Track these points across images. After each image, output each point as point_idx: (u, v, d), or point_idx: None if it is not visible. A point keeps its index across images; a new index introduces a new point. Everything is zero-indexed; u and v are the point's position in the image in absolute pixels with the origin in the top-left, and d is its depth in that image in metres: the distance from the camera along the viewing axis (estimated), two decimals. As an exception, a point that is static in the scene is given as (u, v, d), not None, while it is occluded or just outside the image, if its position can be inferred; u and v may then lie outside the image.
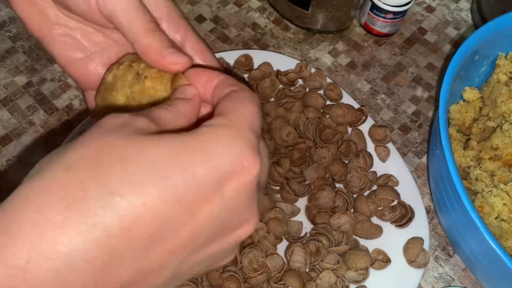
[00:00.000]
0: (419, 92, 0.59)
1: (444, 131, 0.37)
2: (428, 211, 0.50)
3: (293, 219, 0.48)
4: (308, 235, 0.47)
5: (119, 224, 0.20)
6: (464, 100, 0.50)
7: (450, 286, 0.48)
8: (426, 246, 0.47)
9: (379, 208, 0.48)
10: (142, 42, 0.29)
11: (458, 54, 0.42)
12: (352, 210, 0.48)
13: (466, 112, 0.49)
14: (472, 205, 0.35)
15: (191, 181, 0.21)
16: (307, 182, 0.48)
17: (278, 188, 0.49)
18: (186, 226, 0.21)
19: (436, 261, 0.49)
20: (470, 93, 0.49)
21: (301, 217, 0.48)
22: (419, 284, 0.47)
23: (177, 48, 0.30)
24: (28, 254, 0.19)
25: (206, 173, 0.21)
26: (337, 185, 0.50)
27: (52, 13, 0.31)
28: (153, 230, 0.20)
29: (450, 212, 0.41)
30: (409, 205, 0.47)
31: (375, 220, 0.48)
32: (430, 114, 0.58)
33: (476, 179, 0.45)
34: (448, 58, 0.62)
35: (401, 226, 0.47)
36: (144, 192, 0.20)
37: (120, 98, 0.29)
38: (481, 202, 0.43)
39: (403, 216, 0.47)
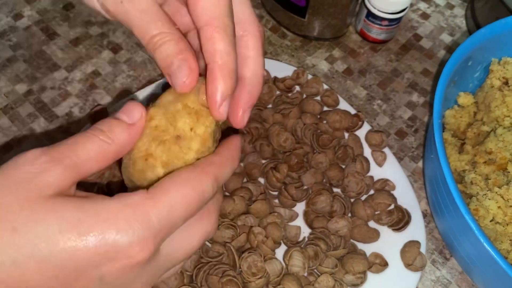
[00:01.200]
0: (415, 97, 0.60)
1: (438, 135, 0.38)
2: (424, 215, 0.51)
3: (291, 223, 0.48)
4: (306, 239, 0.47)
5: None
6: (458, 105, 0.51)
7: (447, 289, 0.48)
8: (423, 249, 0.47)
9: (376, 212, 0.48)
10: (153, 54, 0.28)
11: (451, 60, 0.43)
12: (349, 215, 0.48)
13: (460, 117, 0.50)
14: (467, 208, 0.36)
15: (72, 260, 0.22)
16: (305, 187, 0.49)
17: (276, 193, 0.50)
18: None
19: (433, 265, 0.49)
20: (465, 98, 0.50)
21: (299, 221, 0.49)
22: (417, 287, 0.47)
23: (188, 58, 0.27)
24: None
25: (89, 255, 0.23)
26: (335, 189, 0.50)
27: None
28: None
29: (445, 216, 0.41)
30: (405, 209, 0.48)
31: (372, 224, 0.48)
32: (426, 119, 0.59)
33: (471, 182, 0.45)
34: (443, 64, 0.63)
35: (398, 230, 0.47)
36: (23, 266, 0.22)
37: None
38: (476, 205, 0.43)
39: (400, 220, 0.47)
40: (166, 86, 0.50)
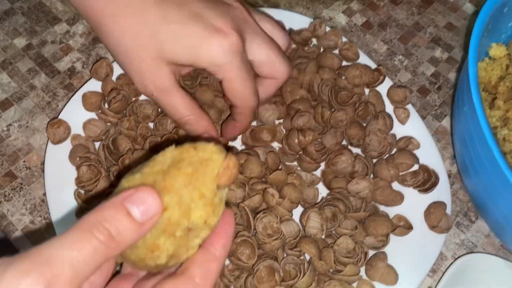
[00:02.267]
0: (438, 53, 0.56)
1: (474, 84, 0.35)
2: (448, 176, 0.48)
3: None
4: (323, 200, 0.45)
5: None
6: (490, 57, 0.48)
7: (472, 252, 0.46)
8: (448, 211, 0.44)
9: (401, 173, 0.45)
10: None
11: (488, 4, 0.39)
12: (371, 176, 0.46)
13: (492, 70, 0.46)
14: (505, 162, 0.33)
15: None
16: (325, 149, 0.46)
17: (291, 162, 0.47)
18: None
19: (457, 227, 0.47)
20: (497, 50, 0.46)
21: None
22: (440, 251, 0.45)
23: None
24: None
25: None
26: (354, 150, 0.47)
27: None
28: None
29: (478, 173, 0.38)
30: (433, 170, 0.45)
31: (395, 185, 0.45)
32: (450, 75, 0.55)
33: (504, 139, 0.42)
34: (469, 18, 0.59)
35: (425, 191, 0.44)
36: None
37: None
38: (509, 163, 0.40)
39: (426, 181, 0.44)
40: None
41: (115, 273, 0.30)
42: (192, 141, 0.27)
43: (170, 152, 0.26)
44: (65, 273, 0.21)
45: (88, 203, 0.43)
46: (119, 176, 0.43)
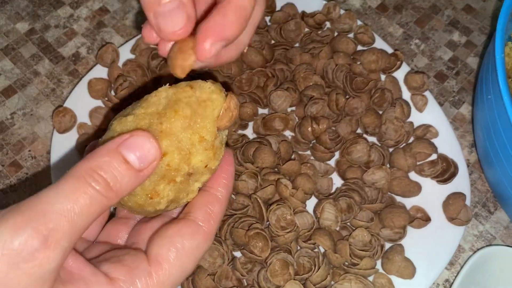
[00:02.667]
0: (456, 36, 0.54)
1: (501, 71, 0.33)
2: (467, 165, 0.46)
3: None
4: (338, 191, 0.43)
5: None
6: (513, 42, 0.45)
7: (491, 244, 0.44)
8: (467, 202, 0.43)
9: (418, 163, 0.44)
10: None
11: (515, -14, 0.37)
12: (387, 165, 0.44)
13: (515, 55, 0.44)
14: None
15: None
16: (339, 137, 0.44)
17: (304, 152, 0.45)
18: None
19: (476, 219, 0.45)
20: (521, 34, 0.44)
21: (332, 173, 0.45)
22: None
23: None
24: None
25: None
26: (370, 138, 0.45)
27: None
28: None
29: (502, 162, 0.37)
30: (452, 159, 0.43)
31: (412, 175, 0.44)
32: (469, 60, 0.53)
33: (527, 128, 0.40)
34: (489, 0, 0.56)
35: (443, 181, 0.43)
36: None
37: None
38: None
39: (445, 171, 0.43)
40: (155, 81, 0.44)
41: (110, 216, 0.29)
42: (188, 79, 0.25)
43: (165, 92, 0.24)
44: (62, 227, 0.19)
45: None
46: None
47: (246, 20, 0.24)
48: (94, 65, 0.48)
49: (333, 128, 0.45)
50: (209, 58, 0.23)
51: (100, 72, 0.47)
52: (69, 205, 0.20)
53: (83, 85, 0.46)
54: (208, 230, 0.25)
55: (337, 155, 0.45)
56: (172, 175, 0.24)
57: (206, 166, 0.24)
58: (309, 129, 0.43)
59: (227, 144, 0.26)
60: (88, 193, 0.20)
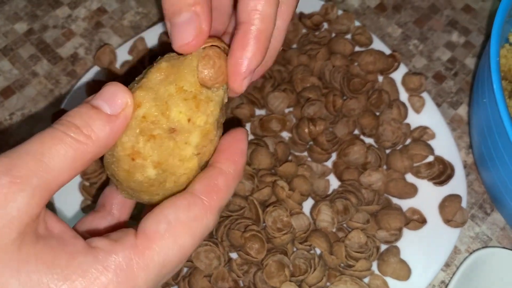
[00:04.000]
0: (454, 37, 0.54)
1: (496, 75, 0.33)
2: (463, 167, 0.46)
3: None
4: (334, 192, 0.43)
5: None
6: (510, 44, 0.45)
7: (487, 246, 0.44)
8: (463, 204, 0.43)
9: (415, 165, 0.44)
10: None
11: (512, -12, 0.37)
12: (384, 167, 0.44)
13: (512, 57, 0.44)
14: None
15: None
16: (336, 138, 0.44)
17: (301, 153, 0.45)
18: None
19: (472, 220, 0.45)
20: (519, 36, 0.44)
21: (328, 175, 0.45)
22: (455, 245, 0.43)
23: (197, 9, 0.22)
24: None
25: None
26: (367, 140, 0.45)
27: None
28: None
29: (496, 164, 0.37)
30: (448, 161, 0.43)
31: (409, 177, 0.44)
32: (467, 61, 0.53)
33: (524, 131, 0.40)
34: (488, 0, 0.56)
35: (440, 183, 0.43)
36: None
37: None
38: (529, 156, 0.38)
39: (441, 173, 0.43)
40: (152, 58, 0.44)
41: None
42: None
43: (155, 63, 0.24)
44: (29, 165, 0.19)
45: (93, 195, 0.42)
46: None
47: (268, 40, 0.23)
48: (92, 67, 0.48)
49: (330, 129, 0.45)
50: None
51: (98, 73, 0.47)
52: (35, 146, 0.19)
53: (81, 86, 0.46)
54: (209, 204, 0.22)
55: (334, 156, 0.45)
56: (150, 129, 0.22)
57: (189, 120, 0.22)
58: (306, 130, 0.44)
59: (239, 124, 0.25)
60: (56, 136, 0.20)
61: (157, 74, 0.23)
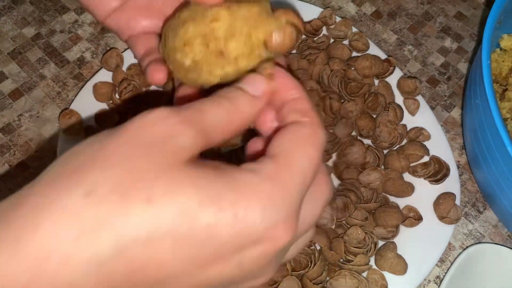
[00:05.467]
0: (447, 43, 0.56)
1: (487, 77, 0.35)
2: (457, 167, 0.48)
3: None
4: (335, 190, 0.45)
5: (123, 267, 0.18)
6: (501, 49, 0.47)
7: (480, 242, 0.46)
8: (457, 202, 0.45)
9: (412, 164, 0.46)
10: None
11: (502, -5, 0.39)
12: (382, 167, 0.46)
13: (503, 61, 0.46)
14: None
15: (212, 239, 0.19)
16: (337, 139, 0.46)
17: None
18: (191, 277, 0.20)
19: (465, 218, 0.47)
20: (509, 41, 0.46)
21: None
22: (449, 241, 0.45)
23: None
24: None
25: (231, 235, 0.19)
26: (365, 141, 0.47)
27: None
28: (157, 279, 0.19)
29: (489, 164, 0.39)
30: (444, 161, 0.45)
31: (406, 176, 0.46)
32: (460, 66, 0.55)
33: (514, 131, 0.42)
34: (479, 7, 0.58)
35: (436, 182, 0.44)
36: (158, 243, 0.18)
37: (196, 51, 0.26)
38: (519, 156, 0.40)
39: (437, 172, 0.45)
40: None
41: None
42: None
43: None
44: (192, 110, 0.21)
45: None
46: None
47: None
48: (99, 69, 0.49)
49: (331, 131, 0.47)
50: None
51: (104, 76, 0.48)
52: (196, 104, 0.22)
53: (88, 88, 0.48)
54: (312, 120, 0.23)
55: (334, 156, 0.47)
56: (209, 39, 0.25)
57: (236, 58, 0.25)
58: None
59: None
60: (220, 107, 0.22)
61: (244, 10, 0.25)
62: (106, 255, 0.17)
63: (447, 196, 0.44)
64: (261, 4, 0.26)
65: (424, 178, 0.45)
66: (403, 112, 0.48)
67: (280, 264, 0.24)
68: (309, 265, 0.41)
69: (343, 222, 0.44)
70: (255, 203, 0.19)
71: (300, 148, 0.22)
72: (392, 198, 0.45)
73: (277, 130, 0.23)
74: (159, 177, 0.18)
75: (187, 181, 0.19)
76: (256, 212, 0.19)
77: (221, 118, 0.22)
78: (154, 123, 0.20)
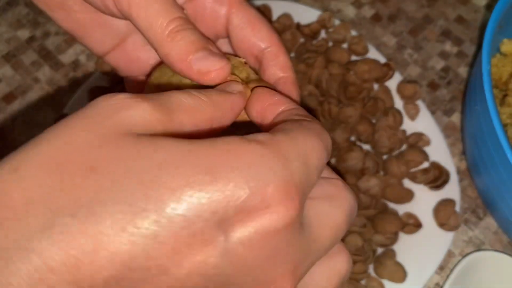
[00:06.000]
0: (448, 46, 0.56)
1: (487, 83, 0.34)
2: (457, 173, 0.48)
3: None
4: (332, 197, 0.44)
5: (62, 263, 0.14)
6: (501, 53, 0.47)
7: (480, 249, 0.45)
8: (457, 208, 0.44)
9: (411, 170, 0.45)
10: (162, 50, 0.23)
11: (502, 0, 0.39)
12: (381, 172, 0.45)
13: (503, 66, 0.46)
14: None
15: (179, 214, 0.15)
16: (336, 145, 0.45)
17: None
18: (166, 277, 0.15)
19: (465, 224, 0.47)
20: (509, 46, 0.46)
21: (325, 178, 0.46)
22: (449, 248, 0.45)
23: (212, 47, 0.23)
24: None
25: (205, 204, 0.15)
26: (364, 146, 0.47)
27: (73, 3, 0.27)
28: (111, 274, 0.15)
29: (489, 170, 0.38)
30: (444, 167, 0.45)
31: (405, 182, 0.45)
32: (460, 70, 0.54)
33: (515, 137, 0.42)
34: (479, 11, 0.58)
35: (436, 188, 0.44)
36: (101, 216, 0.15)
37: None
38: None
39: (437, 178, 0.44)
40: None
41: None
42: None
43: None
44: None
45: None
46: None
47: None
48: (94, 72, 0.49)
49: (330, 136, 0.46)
50: None
51: (99, 79, 0.48)
52: (169, 94, 0.19)
53: (83, 92, 0.47)
54: (308, 124, 0.20)
55: (332, 162, 0.46)
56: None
57: (245, 63, 0.26)
58: None
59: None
60: (186, 93, 0.20)
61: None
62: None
63: (447, 202, 0.44)
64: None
65: (424, 184, 0.45)
66: (402, 117, 0.47)
67: (298, 274, 0.18)
68: (307, 273, 0.40)
69: (342, 229, 0.43)
70: (237, 161, 0.16)
71: (303, 133, 0.19)
72: (391, 205, 0.44)
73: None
74: (102, 147, 0.16)
75: (140, 147, 0.16)
76: (238, 171, 0.15)
77: (187, 101, 0.19)
78: (104, 100, 0.17)
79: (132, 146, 0.16)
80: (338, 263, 0.21)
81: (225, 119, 0.20)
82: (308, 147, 0.18)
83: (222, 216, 0.15)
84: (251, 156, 0.16)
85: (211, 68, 0.22)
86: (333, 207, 0.19)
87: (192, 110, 0.19)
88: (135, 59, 0.29)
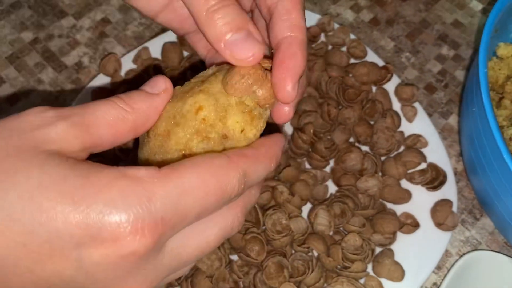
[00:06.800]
0: (444, 50, 0.57)
1: (484, 85, 0.35)
2: (454, 174, 0.48)
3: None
4: (332, 197, 0.45)
5: None
6: (497, 57, 0.48)
7: (477, 249, 0.46)
8: (454, 209, 0.45)
9: (409, 171, 0.46)
10: (201, 28, 0.24)
11: (498, 4, 0.39)
12: (380, 173, 0.46)
13: (499, 70, 0.47)
14: (514, 163, 0.33)
15: (46, 226, 0.18)
16: (334, 146, 0.46)
17: (303, 159, 0.47)
18: (31, 274, 0.19)
19: (462, 225, 0.47)
20: (505, 49, 0.47)
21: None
22: (446, 248, 0.45)
23: (250, 26, 0.24)
24: None
25: (65, 228, 0.18)
26: (362, 147, 0.47)
27: None
28: None
29: (485, 171, 0.39)
30: (441, 168, 0.45)
31: (403, 182, 0.46)
32: (457, 73, 0.55)
33: (510, 139, 0.42)
34: (476, 15, 0.59)
35: (433, 189, 0.45)
36: None
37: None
38: (516, 163, 0.41)
39: (434, 179, 0.45)
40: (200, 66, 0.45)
41: None
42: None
43: (211, 69, 0.26)
44: (76, 111, 0.21)
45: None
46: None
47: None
48: (97, 74, 0.49)
49: (329, 137, 0.47)
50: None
51: (102, 81, 0.48)
52: (91, 109, 0.21)
53: (86, 94, 0.48)
54: (234, 160, 0.22)
55: (331, 163, 0.47)
56: (207, 131, 0.24)
57: (242, 131, 0.24)
58: (299, 140, 0.45)
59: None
60: (108, 104, 0.22)
61: (217, 84, 0.24)
62: None
63: (444, 203, 0.44)
64: (219, 69, 0.26)
65: (421, 185, 0.45)
66: (400, 119, 0.48)
67: (158, 284, 0.22)
68: (307, 272, 0.41)
69: (341, 228, 0.44)
70: (100, 195, 0.18)
71: (196, 171, 0.20)
72: (389, 205, 0.45)
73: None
74: (8, 156, 0.18)
75: (36, 164, 0.18)
76: (98, 205, 0.18)
77: (108, 115, 0.21)
78: (27, 114, 0.20)
79: (28, 162, 0.19)
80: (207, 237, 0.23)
81: (150, 122, 0.23)
82: (191, 186, 0.20)
83: (78, 241, 0.18)
84: (116, 193, 0.19)
85: (242, 56, 0.24)
86: (206, 229, 0.23)
87: (113, 122, 0.21)
88: (187, 16, 0.28)
